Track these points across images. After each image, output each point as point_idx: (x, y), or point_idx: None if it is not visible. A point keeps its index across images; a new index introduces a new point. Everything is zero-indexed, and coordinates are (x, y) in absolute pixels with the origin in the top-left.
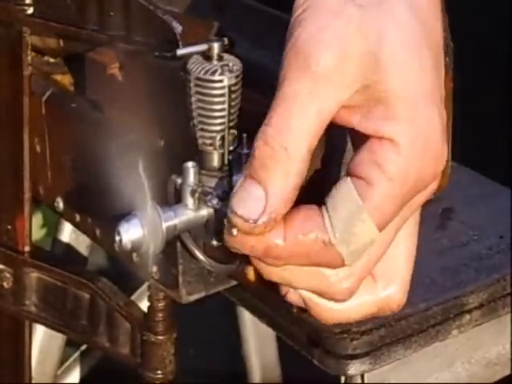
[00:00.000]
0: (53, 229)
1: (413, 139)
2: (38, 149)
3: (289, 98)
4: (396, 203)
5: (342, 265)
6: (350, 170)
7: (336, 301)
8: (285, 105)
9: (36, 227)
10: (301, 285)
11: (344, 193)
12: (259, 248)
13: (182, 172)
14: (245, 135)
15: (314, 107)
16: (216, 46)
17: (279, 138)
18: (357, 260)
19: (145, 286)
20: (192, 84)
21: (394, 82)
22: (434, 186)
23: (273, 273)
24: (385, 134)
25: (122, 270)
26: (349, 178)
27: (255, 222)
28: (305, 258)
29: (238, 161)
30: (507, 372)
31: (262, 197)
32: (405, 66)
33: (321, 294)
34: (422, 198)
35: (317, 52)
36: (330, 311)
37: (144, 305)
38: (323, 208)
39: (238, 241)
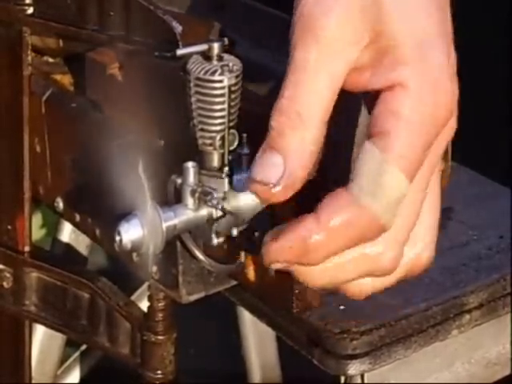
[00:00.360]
0: (53, 229)
1: (421, 79)
2: (38, 149)
3: (299, 66)
4: (418, 146)
5: (382, 227)
6: (369, 132)
7: (386, 275)
8: (296, 74)
9: (36, 227)
10: (350, 275)
11: (365, 156)
12: (297, 245)
13: (181, 172)
14: (245, 135)
15: (324, 71)
16: (216, 46)
17: (293, 105)
18: (394, 217)
19: (145, 285)
20: (192, 84)
21: (399, 27)
22: (452, 126)
23: (319, 274)
24: (395, 81)
25: (121, 270)
26: (367, 141)
27: (274, 186)
28: (343, 236)
29: (238, 161)
30: (507, 372)
31: (281, 163)
32: (409, 11)
33: (371, 275)
34: (443, 141)
35: (321, 15)
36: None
37: (144, 305)
38: (349, 183)
39: (276, 247)
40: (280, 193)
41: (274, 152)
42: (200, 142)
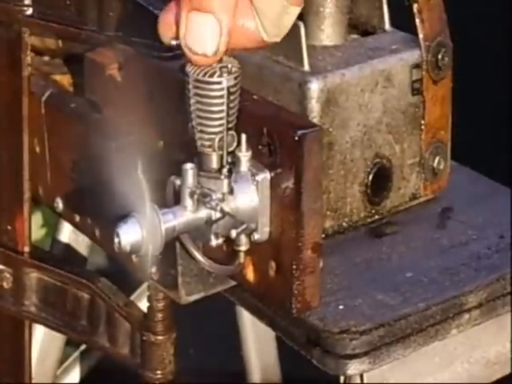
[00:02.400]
0: (53, 229)
1: None
2: (38, 149)
3: None
4: None
5: None
6: None
7: None
8: None
9: (36, 227)
10: None
11: None
12: None
13: (180, 173)
14: (244, 136)
15: None
16: None
17: None
18: None
19: (144, 286)
20: (191, 86)
21: None
22: None
23: None
24: None
25: (121, 270)
26: None
27: (216, 52)
28: None
29: (237, 162)
30: (507, 371)
31: (215, 23)
32: None
33: None
34: None
35: None
36: None
37: (144, 305)
38: None
39: None
40: (221, 53)
41: (203, 14)
42: (199, 143)
